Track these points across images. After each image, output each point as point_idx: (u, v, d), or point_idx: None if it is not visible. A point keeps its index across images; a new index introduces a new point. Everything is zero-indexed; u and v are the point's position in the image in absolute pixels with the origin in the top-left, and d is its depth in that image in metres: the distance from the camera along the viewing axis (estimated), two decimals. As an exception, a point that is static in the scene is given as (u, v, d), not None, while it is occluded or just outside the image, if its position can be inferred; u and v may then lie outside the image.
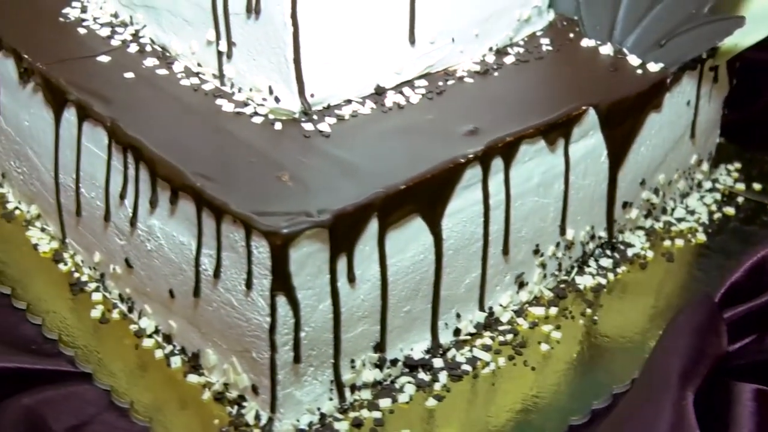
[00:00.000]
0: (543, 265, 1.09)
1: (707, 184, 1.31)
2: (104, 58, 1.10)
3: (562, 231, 1.09)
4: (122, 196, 0.99)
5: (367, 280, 0.91)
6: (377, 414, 0.94)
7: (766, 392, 0.92)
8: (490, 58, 1.13)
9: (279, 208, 0.86)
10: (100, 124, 1.00)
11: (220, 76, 1.05)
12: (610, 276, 1.14)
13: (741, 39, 1.16)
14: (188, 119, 1.00)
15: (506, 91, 1.08)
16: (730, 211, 1.27)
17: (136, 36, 1.14)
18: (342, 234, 0.87)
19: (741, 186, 1.32)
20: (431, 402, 0.96)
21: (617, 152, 1.11)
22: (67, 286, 1.09)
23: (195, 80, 1.06)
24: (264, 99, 1.01)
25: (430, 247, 0.95)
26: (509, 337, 1.04)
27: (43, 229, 1.17)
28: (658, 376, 0.91)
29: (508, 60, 1.13)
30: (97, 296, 1.07)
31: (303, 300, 0.87)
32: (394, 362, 0.98)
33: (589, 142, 1.07)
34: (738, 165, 1.36)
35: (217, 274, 0.90)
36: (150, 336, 1.02)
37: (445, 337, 1.01)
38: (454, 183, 0.95)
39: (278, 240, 0.84)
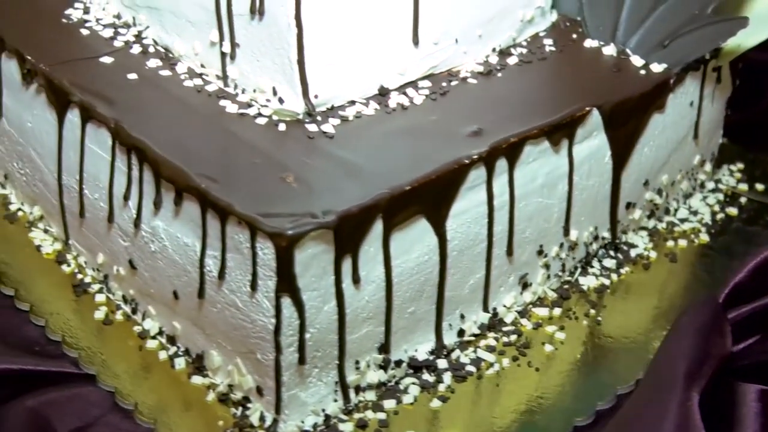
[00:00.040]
0: (547, 266, 1.09)
1: (710, 185, 1.31)
2: (107, 60, 1.09)
3: (566, 232, 1.09)
4: (126, 198, 0.99)
5: (372, 281, 0.91)
6: (382, 415, 0.94)
7: (771, 393, 0.92)
8: (494, 59, 1.13)
9: (284, 209, 0.86)
10: (103, 126, 1.00)
11: (224, 77, 1.05)
12: (614, 277, 1.14)
13: (744, 40, 1.16)
14: (192, 120, 1.00)
15: (510, 92, 1.08)
16: (733, 211, 1.27)
17: (139, 37, 1.14)
18: (347, 235, 0.87)
19: (744, 186, 1.32)
20: (436, 403, 0.96)
21: (621, 153, 1.11)
22: (71, 288, 1.09)
23: (198, 81, 1.06)
24: (268, 100, 1.01)
25: (434, 248, 0.95)
26: (513, 338, 1.04)
27: (46, 231, 1.16)
28: (662, 376, 0.91)
29: (512, 61, 1.13)
30: (100, 297, 1.07)
31: (308, 301, 0.87)
32: (398, 363, 0.98)
33: (592, 142, 1.07)
34: (741, 165, 1.36)
35: (221, 275, 0.90)
36: (154, 337, 1.02)
37: (450, 338, 1.01)
38: (459, 184, 0.95)
39: (283, 241, 0.84)
